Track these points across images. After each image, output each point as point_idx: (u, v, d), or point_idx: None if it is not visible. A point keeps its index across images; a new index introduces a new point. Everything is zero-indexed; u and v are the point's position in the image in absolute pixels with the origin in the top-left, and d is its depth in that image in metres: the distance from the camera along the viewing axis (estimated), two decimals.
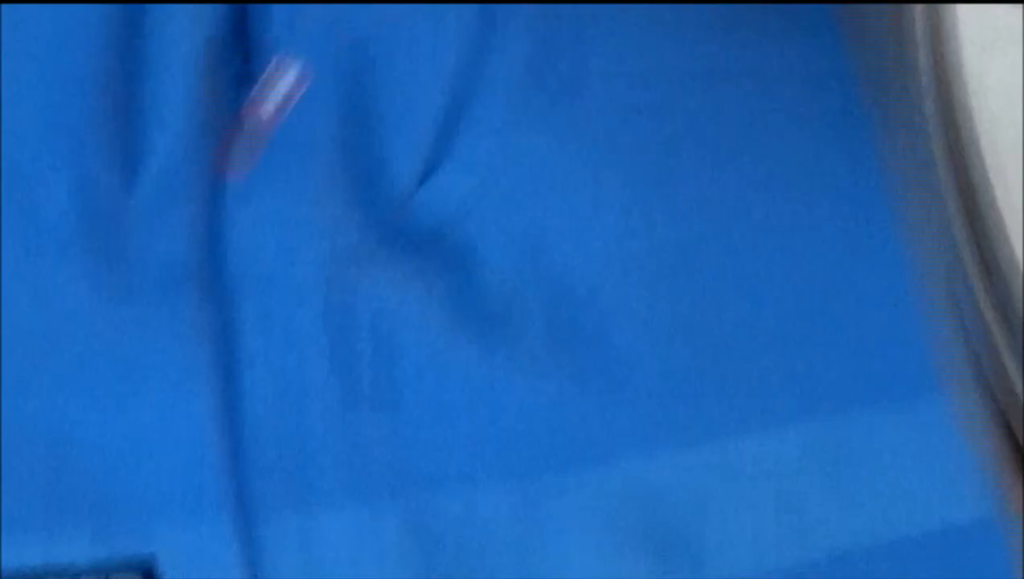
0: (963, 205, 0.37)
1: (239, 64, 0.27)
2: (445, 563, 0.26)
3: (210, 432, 0.26)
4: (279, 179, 0.27)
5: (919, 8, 0.39)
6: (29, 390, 0.26)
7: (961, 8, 0.37)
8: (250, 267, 0.27)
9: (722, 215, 0.30)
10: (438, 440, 0.26)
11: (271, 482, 0.27)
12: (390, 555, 0.26)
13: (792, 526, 0.27)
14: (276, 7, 0.27)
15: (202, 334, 0.27)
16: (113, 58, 0.27)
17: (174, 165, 0.27)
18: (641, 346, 0.28)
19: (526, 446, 0.26)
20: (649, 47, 0.30)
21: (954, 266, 0.34)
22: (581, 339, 0.27)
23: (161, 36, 0.27)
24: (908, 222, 0.33)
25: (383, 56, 0.27)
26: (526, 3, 0.29)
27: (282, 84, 0.27)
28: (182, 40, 0.27)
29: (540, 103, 0.29)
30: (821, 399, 0.28)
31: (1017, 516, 0.29)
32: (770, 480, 0.27)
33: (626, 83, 0.30)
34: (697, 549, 0.27)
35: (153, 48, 0.27)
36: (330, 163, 0.27)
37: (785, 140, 0.31)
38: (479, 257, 0.27)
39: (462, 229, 0.27)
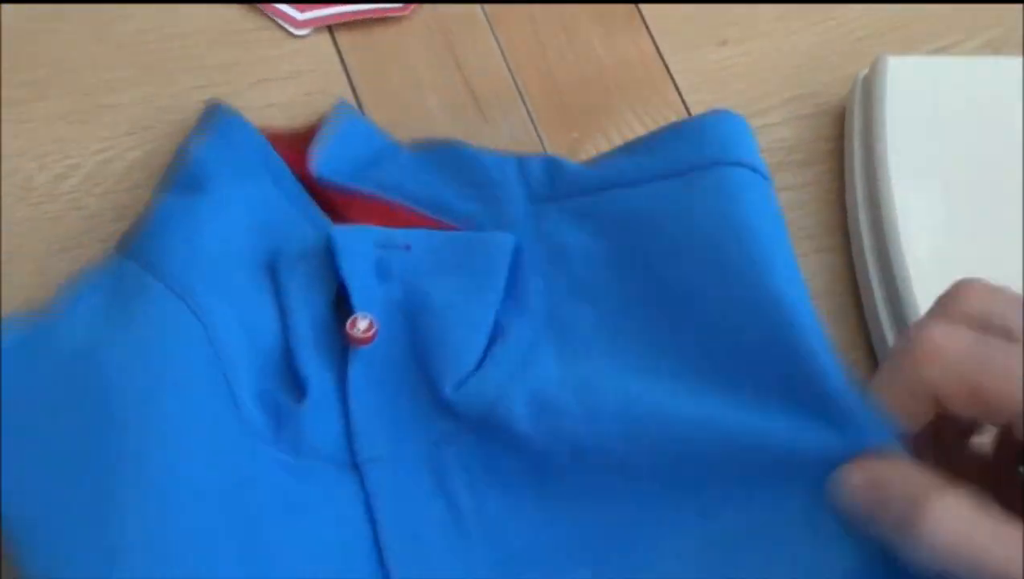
0: (890, 309, 0.44)
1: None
2: None
3: (361, 568, 0.37)
4: (383, 391, 0.39)
5: (856, 139, 0.46)
6: (233, 532, 0.35)
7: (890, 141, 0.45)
8: (373, 451, 0.38)
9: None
10: (517, 552, 0.37)
11: None
12: None
13: None
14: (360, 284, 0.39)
15: (351, 497, 0.38)
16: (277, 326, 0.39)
17: (322, 385, 0.38)
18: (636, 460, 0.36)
19: (569, 551, 0.37)
20: None
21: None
22: (594, 467, 0.37)
23: (292, 312, 0.39)
24: None
25: (439, 305, 0.39)
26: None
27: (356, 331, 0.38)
28: (306, 309, 0.39)
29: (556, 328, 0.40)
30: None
31: None
32: None
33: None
34: None
35: (290, 316, 0.39)
36: (414, 376, 0.39)
37: None
38: (513, 424, 0.37)
39: (500, 407, 0.37)
